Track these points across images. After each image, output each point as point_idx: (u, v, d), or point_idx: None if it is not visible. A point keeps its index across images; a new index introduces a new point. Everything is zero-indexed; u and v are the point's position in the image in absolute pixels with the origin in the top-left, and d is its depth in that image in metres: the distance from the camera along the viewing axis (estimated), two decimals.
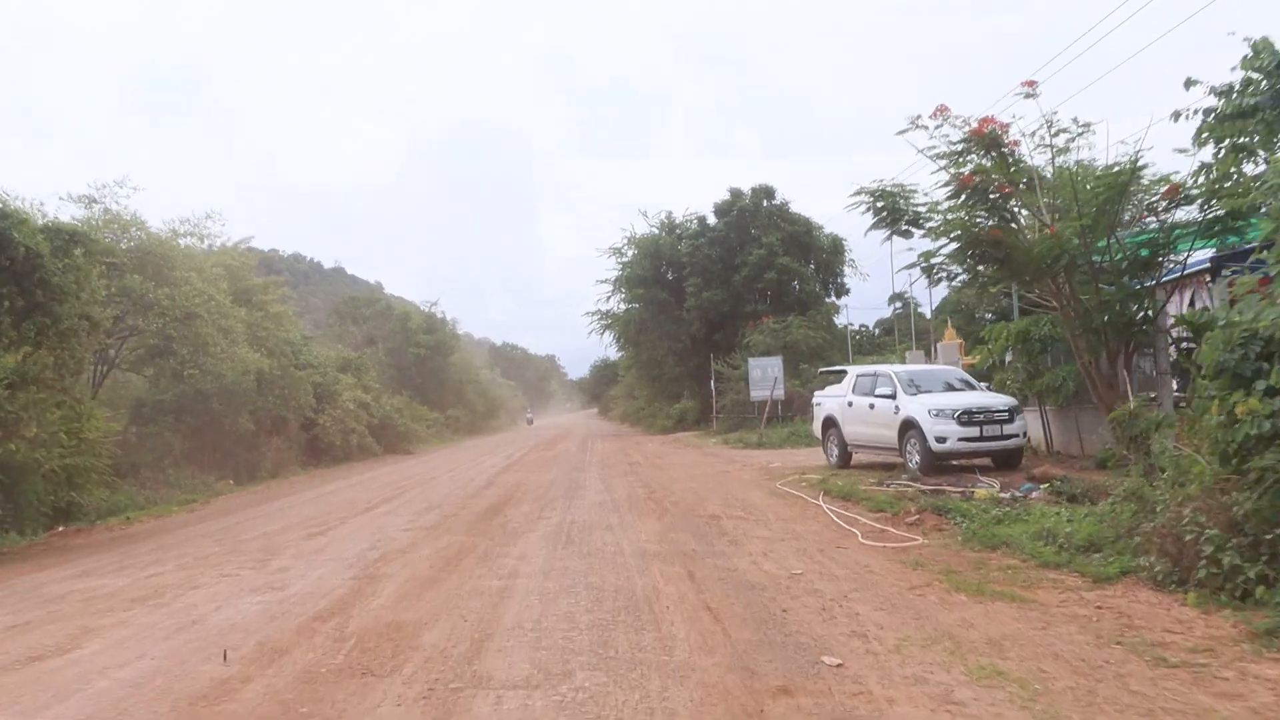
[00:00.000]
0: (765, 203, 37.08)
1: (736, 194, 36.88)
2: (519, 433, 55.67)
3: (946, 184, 12.04)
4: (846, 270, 38.27)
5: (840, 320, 38.89)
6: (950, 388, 14.38)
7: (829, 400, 16.39)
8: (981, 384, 15.02)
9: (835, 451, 16.04)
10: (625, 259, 39.22)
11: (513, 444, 36.33)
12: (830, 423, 16.16)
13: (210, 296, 21.92)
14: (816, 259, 37.22)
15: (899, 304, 43.01)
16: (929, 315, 42.25)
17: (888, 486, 11.97)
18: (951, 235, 12.19)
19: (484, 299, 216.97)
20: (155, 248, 21.75)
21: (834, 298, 38.30)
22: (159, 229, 23.61)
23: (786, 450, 22.12)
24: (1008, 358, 15.92)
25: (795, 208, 37.60)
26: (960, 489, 11.11)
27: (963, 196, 11.88)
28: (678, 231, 38.67)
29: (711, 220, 37.71)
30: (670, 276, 39.00)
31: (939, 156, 12.14)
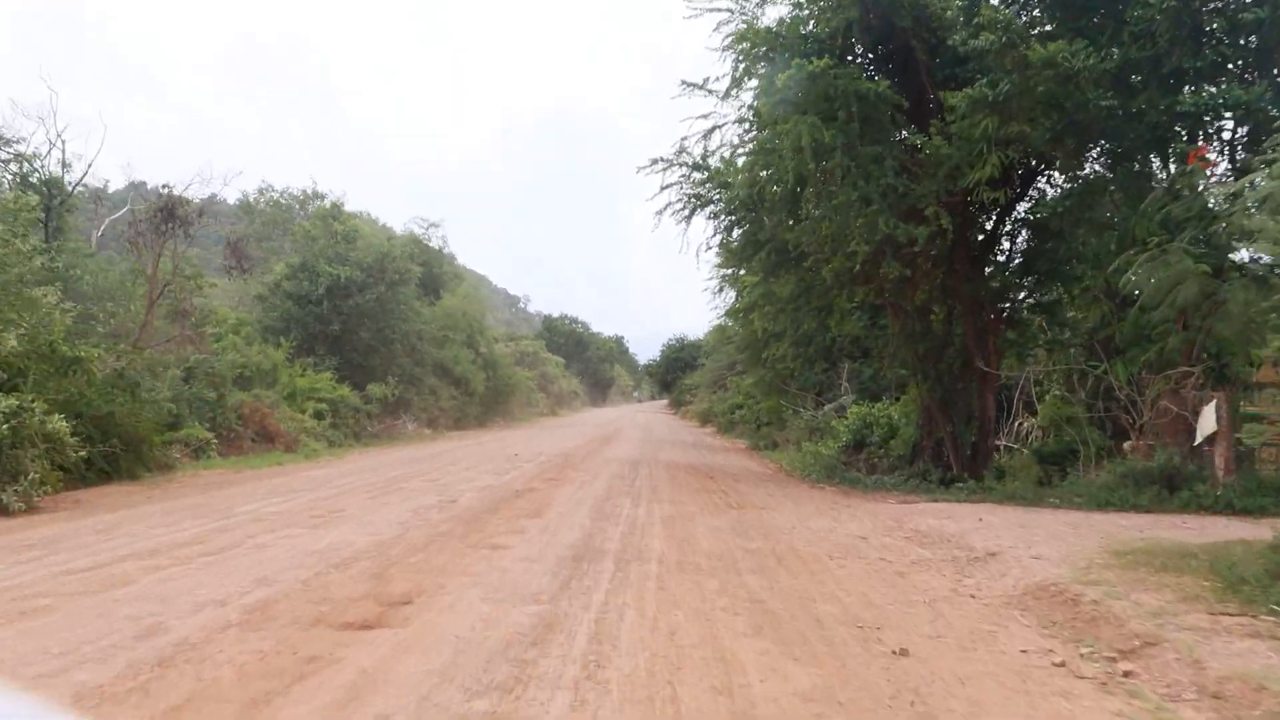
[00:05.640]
0: None
1: None
2: (469, 446, 27.23)
3: None
4: None
5: None
6: None
7: None
8: None
9: None
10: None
11: (407, 490, 11.56)
12: None
13: None
14: None
15: None
16: None
17: None
18: None
19: (566, 288, 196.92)
20: None
21: None
22: None
23: None
24: None
25: None
26: None
27: None
28: None
29: None
30: (885, 48, 13.90)
31: None
